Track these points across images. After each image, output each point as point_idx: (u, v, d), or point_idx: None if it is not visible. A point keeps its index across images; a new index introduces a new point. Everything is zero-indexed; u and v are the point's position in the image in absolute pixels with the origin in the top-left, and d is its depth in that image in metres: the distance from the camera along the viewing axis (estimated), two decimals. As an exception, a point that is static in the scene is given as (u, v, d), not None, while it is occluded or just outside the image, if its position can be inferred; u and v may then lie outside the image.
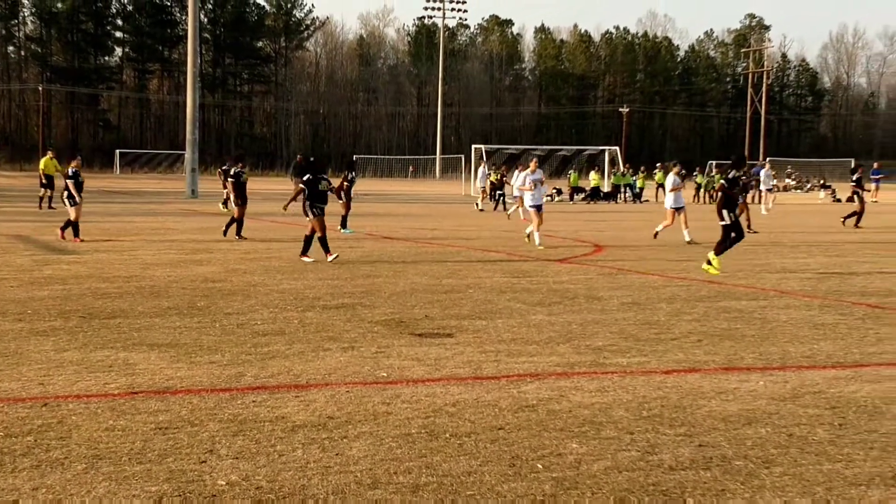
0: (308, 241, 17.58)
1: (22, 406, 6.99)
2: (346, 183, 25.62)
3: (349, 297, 12.91)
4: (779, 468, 5.69)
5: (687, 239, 22.58)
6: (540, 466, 5.68)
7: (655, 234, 23.59)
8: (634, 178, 55.89)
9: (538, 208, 21.43)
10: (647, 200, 54.24)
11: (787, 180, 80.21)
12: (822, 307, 12.45)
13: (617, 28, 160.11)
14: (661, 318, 11.35)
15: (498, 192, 42.60)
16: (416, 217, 33.70)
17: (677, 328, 10.67)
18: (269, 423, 6.55)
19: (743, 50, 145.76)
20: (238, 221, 22.63)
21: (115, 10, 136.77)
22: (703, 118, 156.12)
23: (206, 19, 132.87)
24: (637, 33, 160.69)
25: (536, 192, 21.58)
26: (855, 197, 31.05)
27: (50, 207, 33.97)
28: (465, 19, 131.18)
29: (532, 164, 22.72)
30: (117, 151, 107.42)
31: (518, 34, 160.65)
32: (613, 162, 61.49)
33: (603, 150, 65.19)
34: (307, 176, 17.72)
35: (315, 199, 17.51)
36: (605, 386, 7.80)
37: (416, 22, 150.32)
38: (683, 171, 24.71)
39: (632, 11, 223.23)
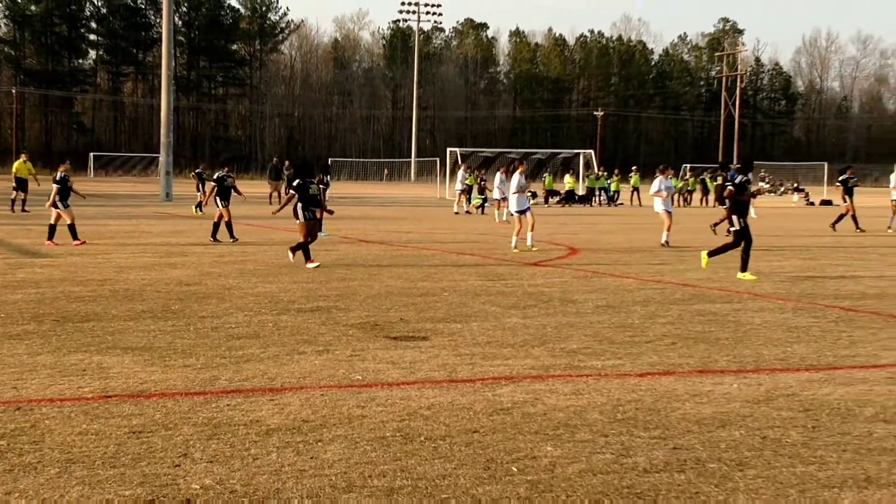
0: (304, 246, 17.40)
1: (-7, 410, 6.93)
2: (320, 186, 25.54)
3: (324, 300, 12.89)
4: (752, 470, 5.72)
5: (663, 241, 22.62)
6: (514, 469, 5.69)
7: (663, 242, 22.97)
8: (609, 181, 56.09)
9: (522, 213, 21.33)
10: (621, 203, 54.46)
11: (761, 184, 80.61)
12: (796, 310, 12.53)
13: (591, 32, 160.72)
14: (635, 321, 11.38)
15: (480, 195, 42.72)
16: (391, 220, 33.69)
17: (652, 331, 10.71)
18: (243, 427, 6.52)
19: (717, 54, 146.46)
20: (216, 224, 22.53)
21: (89, 13, 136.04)
22: (677, 121, 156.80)
23: (180, 22, 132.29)
24: (611, 37, 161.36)
25: (521, 197, 21.53)
26: (846, 198, 31.13)
27: (24, 210, 33.73)
28: (440, 22, 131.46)
29: (521, 168, 22.48)
30: (91, 154, 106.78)
31: (493, 38, 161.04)
32: (588, 165, 61.70)
33: (578, 154, 65.42)
34: (297, 181, 17.56)
35: (307, 203, 17.38)
36: (580, 389, 7.82)
37: (391, 25, 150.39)
38: (672, 175, 24.79)
39: (606, 15, 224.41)
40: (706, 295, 13.95)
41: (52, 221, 21.05)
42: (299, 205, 17.32)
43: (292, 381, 7.93)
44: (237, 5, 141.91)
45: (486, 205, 42.04)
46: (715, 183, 32.57)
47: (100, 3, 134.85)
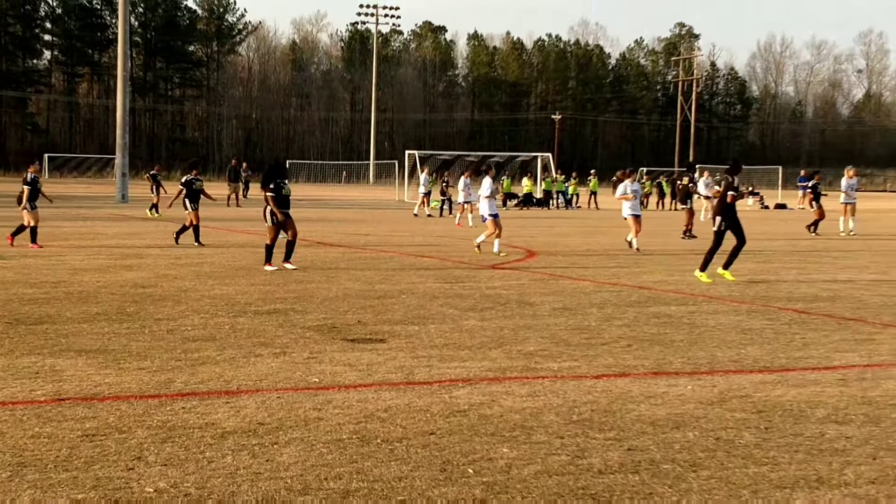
0: (291, 245, 17.24)
1: (-56, 414, 6.84)
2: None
3: (281, 302, 12.84)
4: (706, 471, 5.77)
5: (635, 246, 22.36)
6: (471, 471, 5.70)
7: (635, 248, 22.45)
8: (567, 184, 56.34)
9: (496, 216, 21.15)
10: (579, 207, 54.72)
11: (717, 187, 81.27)
12: (750, 312, 12.65)
13: (549, 36, 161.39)
14: (591, 324, 11.44)
15: (442, 197, 42.79)
16: (350, 222, 33.61)
17: (608, 333, 10.77)
18: (198, 430, 6.48)
19: (673, 58, 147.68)
20: (185, 227, 22.29)
21: (43, 13, 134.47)
22: (634, 125, 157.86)
23: (136, 23, 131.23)
24: (569, 41, 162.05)
25: (493, 201, 21.40)
26: (813, 203, 31.44)
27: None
28: (399, 25, 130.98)
29: (491, 172, 22.42)
30: (46, 155, 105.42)
31: (451, 41, 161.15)
32: (546, 168, 61.95)
33: (535, 157, 65.67)
34: (272, 183, 17.35)
35: (278, 205, 17.22)
36: (536, 391, 7.85)
37: (350, 27, 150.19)
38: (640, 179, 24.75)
39: (564, 19, 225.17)
40: (661, 297, 14.05)
41: (32, 223, 20.73)
42: (268, 208, 17.18)
43: (248, 384, 7.90)
44: (194, 6, 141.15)
45: (444, 207, 42.12)
46: (680, 184, 32.69)
47: (55, 4, 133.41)
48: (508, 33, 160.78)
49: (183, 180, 23.05)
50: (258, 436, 6.36)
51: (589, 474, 5.68)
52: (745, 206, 58.85)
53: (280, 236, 17.29)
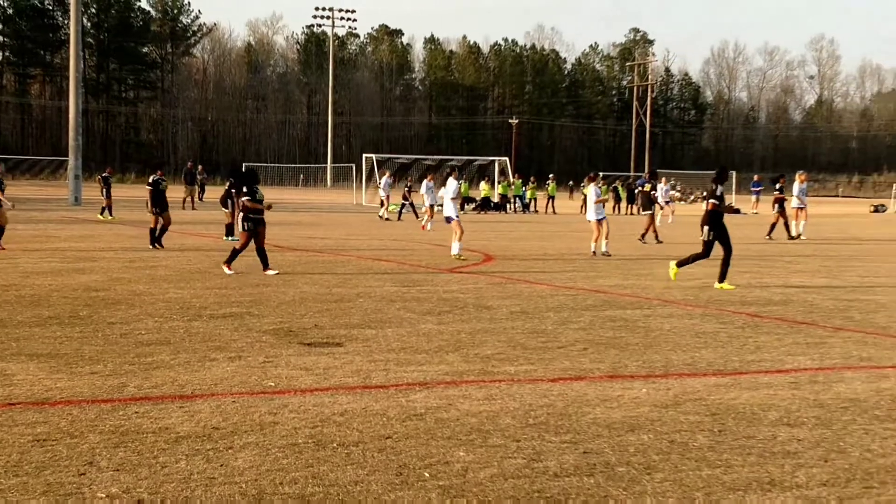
0: (263, 253, 17.13)
1: None
2: (233, 191, 25.31)
3: (237, 306, 12.76)
4: (660, 474, 5.81)
5: (603, 250, 22.23)
6: (427, 475, 5.70)
7: (604, 252, 22.34)
8: (524, 188, 56.53)
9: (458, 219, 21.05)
10: (536, 211, 54.89)
11: (672, 192, 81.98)
12: (704, 316, 12.76)
13: (505, 40, 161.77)
14: (548, 327, 11.49)
15: (405, 202, 42.76)
16: (307, 226, 33.48)
17: (564, 337, 10.82)
18: (151, 435, 6.42)
19: (628, 64, 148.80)
20: (154, 230, 22.04)
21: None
22: (590, 130, 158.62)
23: (89, 24, 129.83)
24: (525, 46, 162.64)
25: (457, 204, 21.35)
26: (776, 206, 31.67)
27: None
28: (355, 28, 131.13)
29: (455, 174, 22.37)
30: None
31: (408, 44, 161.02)
32: (503, 172, 62.13)
33: (493, 161, 65.83)
34: (247, 189, 17.23)
35: (249, 212, 17.12)
36: (493, 394, 7.86)
37: (306, 30, 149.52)
38: (603, 184, 24.59)
39: (520, 24, 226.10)
40: (617, 301, 14.13)
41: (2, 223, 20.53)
42: (240, 214, 17.09)
43: (203, 388, 7.84)
44: (148, 7, 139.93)
45: (402, 211, 42.12)
46: (640, 190, 32.85)
47: (6, 4, 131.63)
48: (465, 37, 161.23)
49: (150, 180, 22.83)
50: (212, 440, 6.32)
51: (544, 477, 5.69)
52: (700, 211, 59.41)
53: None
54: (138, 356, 9.12)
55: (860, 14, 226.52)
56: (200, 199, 49.85)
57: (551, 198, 56.21)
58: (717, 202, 16.25)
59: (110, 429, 6.56)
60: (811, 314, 13.11)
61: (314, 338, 10.42)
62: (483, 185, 55.89)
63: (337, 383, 8.14)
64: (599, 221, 22.30)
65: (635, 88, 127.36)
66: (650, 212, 28.83)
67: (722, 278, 16.26)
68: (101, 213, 34.79)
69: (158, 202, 22.22)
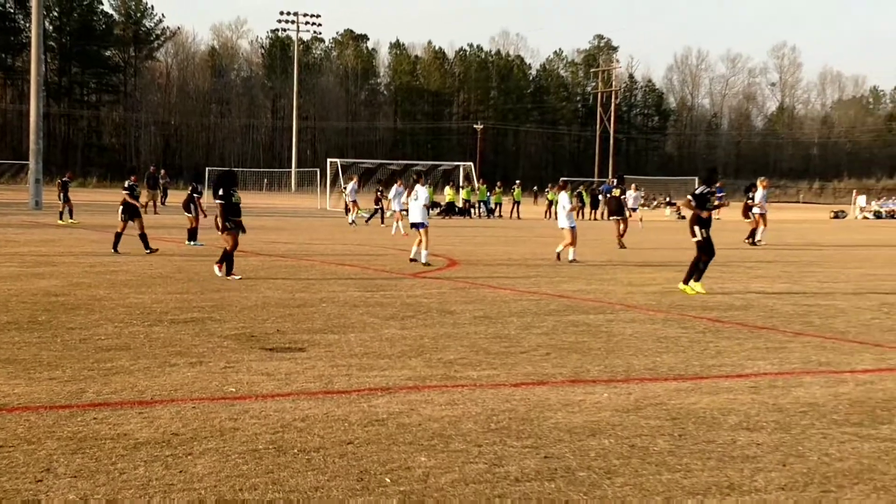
0: (230, 257, 17.01)
1: None
2: (195, 195, 25.19)
3: (199, 311, 12.68)
4: (620, 478, 5.83)
5: (570, 258, 22.06)
6: (388, 480, 5.68)
7: (558, 256, 22.29)
8: (489, 194, 56.65)
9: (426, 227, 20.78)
10: (500, 216, 55.00)
11: (624, 198, 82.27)
12: (666, 321, 12.83)
13: (470, 45, 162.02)
14: (511, 332, 11.50)
15: (377, 207, 42.69)
16: (270, 230, 33.31)
17: (527, 341, 10.84)
18: (110, 441, 6.37)
19: (592, 70, 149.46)
20: (143, 235, 21.79)
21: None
22: (554, 136, 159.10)
23: (51, 27, 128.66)
24: (490, 51, 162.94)
25: (425, 210, 20.99)
26: (750, 214, 31.86)
27: None
28: (320, 33, 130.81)
29: (421, 180, 22.09)
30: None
31: (373, 49, 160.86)
32: (468, 178, 62.21)
33: (458, 166, 65.89)
34: (222, 191, 17.12)
35: (228, 213, 17.01)
36: (455, 399, 7.86)
37: (270, 34, 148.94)
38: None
39: (485, 29, 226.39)
40: (580, 306, 14.18)
41: None
42: (220, 218, 16.97)
43: (163, 394, 7.78)
44: (111, 11, 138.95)
45: (374, 215, 42.05)
46: (609, 196, 32.88)
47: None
48: (430, 42, 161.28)
49: (126, 185, 22.61)
50: (172, 446, 6.27)
51: (506, 482, 5.70)
52: (663, 217, 59.78)
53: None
54: (97, 362, 9.04)
55: (821, 22, 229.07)
56: (163, 203, 49.55)
57: (516, 203, 56.36)
58: (691, 198, 16.20)
59: (68, 435, 6.50)
60: (771, 319, 13.22)
61: (276, 343, 10.38)
62: (448, 191, 55.93)
63: (298, 389, 8.11)
64: (572, 228, 22.24)
65: (599, 94, 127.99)
66: (621, 217, 28.90)
67: (687, 280, 16.33)
68: (61, 218, 34.49)
69: (130, 208, 22.02)
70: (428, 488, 5.56)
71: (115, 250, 21.52)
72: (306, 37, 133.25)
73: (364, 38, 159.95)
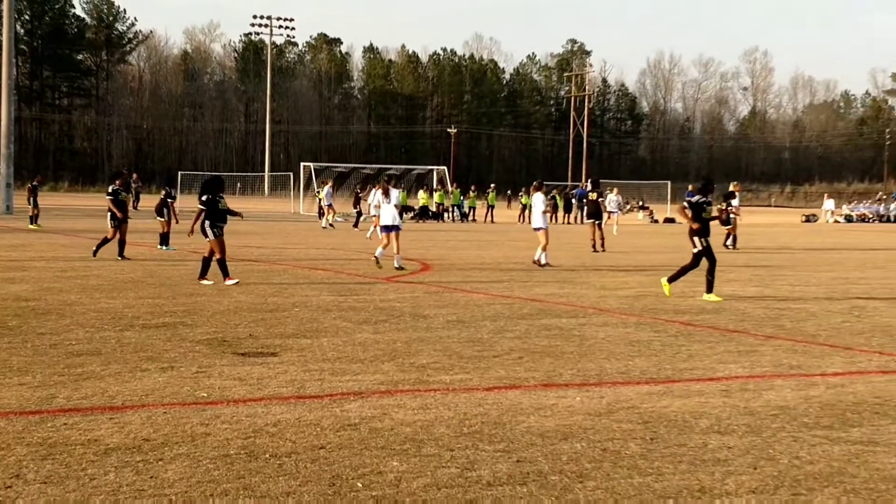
0: (206, 263, 16.90)
1: None
2: (168, 199, 25.09)
3: (170, 316, 12.62)
4: (592, 482, 5.84)
5: (542, 261, 21.96)
6: (360, 485, 5.67)
7: (539, 262, 21.95)
8: (463, 198, 56.72)
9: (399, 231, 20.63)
10: (474, 220, 55.06)
11: (603, 201, 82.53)
12: (638, 325, 12.88)
13: (444, 50, 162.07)
14: (484, 336, 11.51)
15: (356, 210, 42.59)
16: (243, 234, 33.17)
17: (500, 345, 10.85)
18: (80, 447, 6.32)
19: (566, 74, 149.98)
20: (122, 242, 21.53)
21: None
22: (528, 140, 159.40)
23: (22, 30, 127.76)
24: (464, 55, 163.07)
25: (397, 214, 20.73)
26: (730, 219, 31.90)
27: None
28: (293, 37, 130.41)
29: (393, 183, 21.89)
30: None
31: (347, 53, 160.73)
32: (442, 182, 62.27)
33: (431, 170, 65.96)
34: (206, 196, 17.00)
35: (215, 219, 16.90)
36: (428, 403, 7.85)
37: (243, 38, 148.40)
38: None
39: (458, 33, 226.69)
40: (553, 310, 14.21)
41: None
42: (207, 221, 16.84)
43: (134, 399, 7.74)
44: (83, 14, 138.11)
45: (358, 220, 41.93)
46: (586, 199, 32.87)
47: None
48: (403, 46, 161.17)
49: (110, 189, 22.43)
50: (142, 452, 6.23)
51: (478, 486, 5.70)
52: (636, 220, 60.03)
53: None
54: (68, 367, 8.97)
55: (793, 26, 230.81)
56: (135, 207, 49.18)
57: (490, 207, 56.47)
58: (686, 206, 16.13)
59: (38, 441, 6.45)
60: (743, 323, 13.29)
61: (248, 348, 10.34)
62: (421, 194, 55.96)
63: (271, 393, 8.08)
64: (545, 230, 22.22)
65: (573, 99, 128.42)
66: (598, 220, 28.93)
67: (672, 280, 16.35)
68: (32, 222, 34.27)
69: (121, 211, 21.77)
70: (400, 493, 5.55)
71: (94, 252, 21.30)
72: (280, 41, 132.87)
73: (338, 42, 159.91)
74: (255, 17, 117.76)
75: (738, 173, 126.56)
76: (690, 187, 42.51)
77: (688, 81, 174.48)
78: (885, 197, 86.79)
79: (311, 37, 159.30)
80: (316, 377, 8.80)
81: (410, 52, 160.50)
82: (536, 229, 22.51)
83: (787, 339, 11.82)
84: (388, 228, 20.50)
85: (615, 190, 45.77)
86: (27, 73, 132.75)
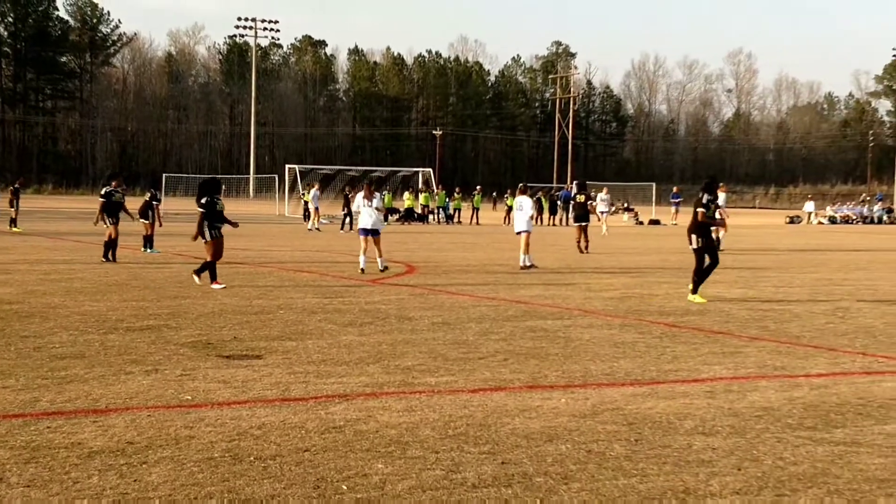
0: (212, 265, 16.85)
1: None
2: (153, 202, 25.01)
3: (155, 318, 12.58)
4: (577, 484, 5.84)
5: (527, 263, 21.87)
6: (344, 487, 5.66)
7: (529, 265, 21.81)
8: (448, 200, 56.73)
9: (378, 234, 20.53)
10: (459, 222, 55.07)
11: (592, 203, 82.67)
12: (623, 326, 12.90)
13: (429, 52, 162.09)
14: (469, 338, 11.51)
15: (344, 212, 42.47)
16: (228, 237, 32.98)
17: (485, 347, 10.85)
18: (64, 450, 6.29)
19: (550, 76, 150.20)
20: (110, 243, 21.43)
21: None
22: (513, 142, 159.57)
23: (5, 32, 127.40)
24: (449, 57, 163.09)
25: (379, 217, 20.68)
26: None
27: None
28: (278, 39, 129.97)
29: (369, 187, 21.74)
30: None
31: (332, 55, 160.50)
32: (427, 184, 62.28)
33: (417, 172, 65.96)
34: (205, 199, 16.93)
35: (213, 221, 16.82)
36: (413, 405, 7.85)
37: (228, 40, 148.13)
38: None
39: (443, 35, 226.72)
40: (538, 312, 14.22)
41: None
42: (205, 223, 16.79)
43: (118, 402, 7.71)
44: (66, 17, 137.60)
45: (345, 222, 41.83)
46: (573, 202, 32.87)
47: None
48: (389, 48, 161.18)
49: (103, 192, 22.32)
50: (126, 455, 6.21)
51: (463, 488, 5.70)
52: (621, 222, 60.13)
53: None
54: (52, 370, 8.94)
55: (777, 29, 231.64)
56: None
57: (475, 209, 56.50)
58: (704, 210, 16.05)
59: (21, 444, 6.42)
60: (727, 324, 13.33)
61: (233, 350, 10.32)
62: (407, 196, 55.95)
63: (255, 396, 8.07)
64: (528, 233, 22.18)
65: (558, 101, 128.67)
66: (585, 223, 28.90)
67: (695, 289, 16.12)
68: (15, 225, 34.11)
69: (113, 214, 21.68)
70: (385, 495, 5.55)
71: (112, 259, 21.07)
72: (264, 43, 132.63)
73: (322, 44, 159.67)
74: (239, 19, 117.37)
75: (723, 175, 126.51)
76: (675, 189, 42.53)
77: (672, 83, 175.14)
78: (868, 198, 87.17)
79: (295, 39, 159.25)
80: (301, 379, 8.79)
81: (395, 54, 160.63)
82: (520, 233, 22.35)
83: (771, 341, 11.86)
84: (366, 232, 20.34)
85: (604, 189, 45.85)
86: (10, 76, 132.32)
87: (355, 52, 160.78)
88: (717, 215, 17.44)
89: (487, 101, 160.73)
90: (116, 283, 16.95)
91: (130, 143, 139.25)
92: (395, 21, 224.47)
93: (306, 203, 43.50)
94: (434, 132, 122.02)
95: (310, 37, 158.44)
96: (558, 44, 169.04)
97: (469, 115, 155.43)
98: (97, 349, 10.15)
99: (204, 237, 16.80)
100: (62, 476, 5.75)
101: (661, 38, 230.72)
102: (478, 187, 61.89)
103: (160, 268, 20.03)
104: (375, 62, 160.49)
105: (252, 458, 6.21)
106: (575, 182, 35.34)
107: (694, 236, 16.02)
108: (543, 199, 58.52)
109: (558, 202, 58.17)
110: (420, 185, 61.31)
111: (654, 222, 59.67)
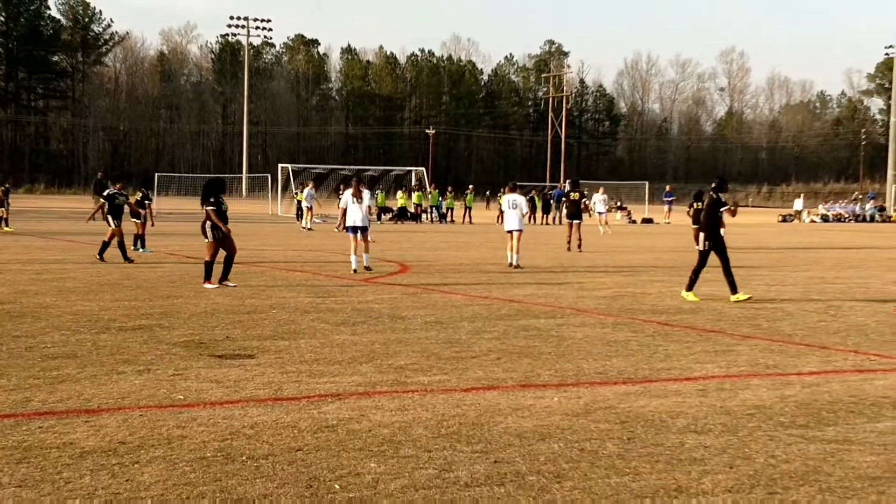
0: (229, 262, 16.80)
1: None
2: (145, 201, 24.98)
3: (147, 318, 12.57)
4: (569, 482, 5.85)
5: (515, 263, 21.79)
6: (337, 487, 5.66)
7: (515, 265, 21.73)
8: (441, 198, 56.73)
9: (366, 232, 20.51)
10: (452, 221, 55.06)
11: (586, 201, 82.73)
12: (616, 325, 12.91)
13: (422, 51, 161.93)
14: (462, 337, 11.51)
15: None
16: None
17: (478, 346, 10.85)
18: (55, 450, 6.28)
19: (543, 75, 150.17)
20: (106, 243, 21.33)
21: None
22: (506, 140, 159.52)
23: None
24: (442, 56, 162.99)
25: (366, 215, 20.59)
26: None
27: None
28: (270, 38, 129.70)
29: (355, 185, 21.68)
30: None
31: (324, 54, 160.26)
32: (420, 182, 62.26)
33: (410, 171, 65.95)
34: (212, 198, 16.86)
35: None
36: (406, 405, 7.85)
37: (220, 39, 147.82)
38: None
39: (436, 34, 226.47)
40: (531, 310, 14.23)
41: None
42: (208, 223, 16.77)
43: (110, 402, 7.70)
44: (58, 16, 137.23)
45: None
46: (566, 201, 32.82)
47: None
48: (381, 47, 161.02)
49: (105, 193, 22.29)
50: (118, 455, 6.20)
51: (455, 487, 5.70)
52: (613, 221, 60.18)
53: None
54: (44, 370, 8.92)
55: (769, 27, 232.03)
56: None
57: (468, 208, 56.49)
58: (719, 210, 15.95)
59: (13, 444, 6.41)
60: (719, 322, 13.35)
61: (225, 350, 10.31)
62: (400, 195, 55.95)
63: (248, 395, 8.06)
64: (520, 232, 22.19)
65: (551, 100, 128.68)
66: (579, 221, 28.90)
67: (734, 289, 15.99)
68: (7, 225, 34.05)
69: (117, 215, 21.57)
70: (377, 494, 5.54)
71: (128, 259, 21.01)
72: (256, 42, 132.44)
73: (315, 42, 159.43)
74: (231, 18, 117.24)
75: (716, 174, 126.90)
76: (668, 188, 42.56)
77: (665, 82, 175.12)
78: (860, 197, 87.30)
79: (288, 38, 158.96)
80: (293, 379, 8.78)
81: (388, 52, 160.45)
82: (511, 231, 22.13)
83: (763, 339, 11.88)
84: (354, 230, 20.21)
85: (601, 189, 45.84)
86: (2, 75, 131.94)
87: (348, 51, 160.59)
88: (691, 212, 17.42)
89: (480, 100, 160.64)
90: (108, 282, 16.92)
91: (122, 142, 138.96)
92: (387, 20, 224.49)
93: (299, 202, 43.41)
94: (427, 131, 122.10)
95: (302, 36, 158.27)
96: (551, 42, 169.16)
97: (462, 113, 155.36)
98: (89, 349, 10.14)
99: (206, 237, 16.78)
100: (54, 476, 5.74)
101: (654, 36, 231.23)
102: (470, 186, 61.86)
103: (153, 267, 20.00)
104: (368, 61, 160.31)
105: (244, 458, 6.21)
106: (568, 180, 35.38)
107: (702, 237, 16.00)
108: (537, 198, 58.52)
109: (551, 201, 58.16)
110: (413, 184, 61.28)
111: (647, 221, 59.71)
